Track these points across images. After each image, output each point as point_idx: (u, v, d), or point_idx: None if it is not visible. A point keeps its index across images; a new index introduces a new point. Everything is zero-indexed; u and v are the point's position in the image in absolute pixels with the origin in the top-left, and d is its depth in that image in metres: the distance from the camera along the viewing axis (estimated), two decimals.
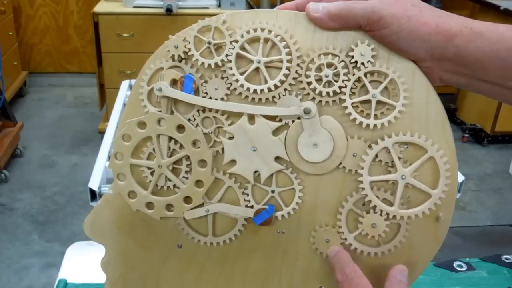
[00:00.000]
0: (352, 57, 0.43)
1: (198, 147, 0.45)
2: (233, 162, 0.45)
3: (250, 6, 2.66)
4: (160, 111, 0.45)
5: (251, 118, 0.44)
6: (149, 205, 0.47)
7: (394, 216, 0.44)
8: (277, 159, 0.45)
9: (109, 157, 1.01)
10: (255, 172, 0.45)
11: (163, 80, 0.44)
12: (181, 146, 0.46)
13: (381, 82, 0.43)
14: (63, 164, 2.55)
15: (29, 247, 2.01)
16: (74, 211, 2.21)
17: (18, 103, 3.13)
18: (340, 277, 0.43)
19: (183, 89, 0.44)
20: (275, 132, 0.44)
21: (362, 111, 0.44)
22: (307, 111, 0.43)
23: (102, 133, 2.47)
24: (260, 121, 0.44)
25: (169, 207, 0.47)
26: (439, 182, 0.44)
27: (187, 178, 0.46)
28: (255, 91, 0.44)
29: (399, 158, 0.44)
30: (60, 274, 0.74)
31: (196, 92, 0.45)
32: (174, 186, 0.47)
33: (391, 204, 0.45)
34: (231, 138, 0.45)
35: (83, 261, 0.77)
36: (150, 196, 0.47)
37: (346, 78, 0.43)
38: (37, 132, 2.82)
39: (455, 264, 0.75)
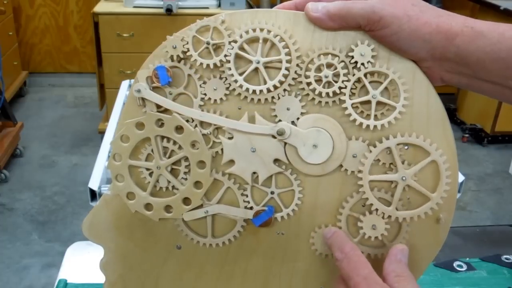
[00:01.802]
0: (352, 57, 0.42)
1: (197, 148, 0.45)
2: (231, 162, 0.45)
3: (250, 6, 2.66)
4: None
5: (252, 118, 0.44)
6: (148, 206, 0.47)
7: (395, 218, 0.44)
8: (276, 161, 0.45)
9: (109, 157, 1.01)
10: (254, 173, 0.45)
11: (139, 81, 0.44)
12: (180, 147, 0.45)
13: (381, 83, 0.43)
14: (63, 164, 2.55)
15: (29, 247, 2.01)
16: (74, 211, 2.21)
17: (18, 103, 3.13)
18: (339, 255, 0.42)
19: (160, 81, 0.44)
20: None
21: (362, 112, 0.43)
22: (280, 133, 0.43)
23: (102, 133, 2.47)
24: (260, 122, 0.44)
25: (167, 208, 0.47)
26: (439, 185, 0.43)
27: (186, 179, 0.46)
28: (254, 91, 0.44)
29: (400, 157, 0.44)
30: (60, 274, 0.74)
31: (185, 84, 0.44)
32: (173, 187, 0.46)
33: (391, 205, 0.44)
34: (230, 138, 0.45)
35: (83, 261, 0.77)
36: (149, 198, 0.47)
37: (346, 78, 0.43)
38: (37, 132, 2.82)
39: (455, 264, 0.75)
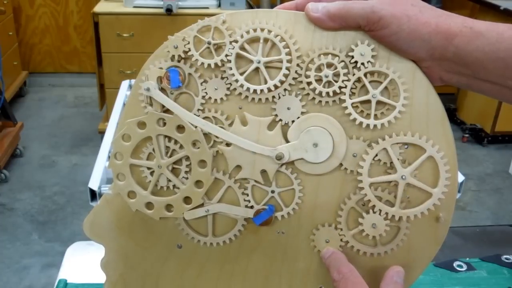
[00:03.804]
0: (352, 57, 0.43)
1: (198, 148, 0.45)
2: (228, 145, 0.45)
3: (250, 6, 2.66)
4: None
5: (273, 122, 0.44)
6: (149, 205, 0.47)
7: (394, 216, 0.44)
8: (264, 172, 0.45)
9: (109, 157, 1.01)
10: (238, 166, 0.45)
11: (149, 79, 0.44)
12: (181, 146, 0.45)
13: (381, 82, 0.43)
14: (63, 164, 2.55)
15: (29, 247, 2.01)
16: (74, 211, 2.21)
17: (18, 103, 3.13)
18: (336, 276, 0.43)
19: (171, 83, 0.44)
20: None
21: (362, 111, 0.44)
22: (278, 157, 0.44)
23: (102, 133, 2.47)
24: (277, 130, 0.44)
25: (168, 207, 0.47)
26: (440, 180, 0.43)
27: (187, 178, 0.46)
28: (254, 91, 0.44)
29: (398, 159, 0.44)
30: (60, 274, 0.74)
31: (186, 83, 0.45)
32: (174, 186, 0.47)
33: (391, 204, 0.44)
34: (244, 125, 0.45)
35: (83, 261, 0.77)
36: (150, 196, 0.47)
37: (346, 78, 0.43)
38: (37, 132, 2.82)
39: (455, 264, 0.75)
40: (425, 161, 0.44)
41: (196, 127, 0.45)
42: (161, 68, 0.45)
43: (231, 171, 0.45)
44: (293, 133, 0.44)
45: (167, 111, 0.45)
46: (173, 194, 0.47)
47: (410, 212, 0.44)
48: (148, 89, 0.44)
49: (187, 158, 0.46)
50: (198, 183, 0.46)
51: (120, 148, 0.46)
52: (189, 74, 0.45)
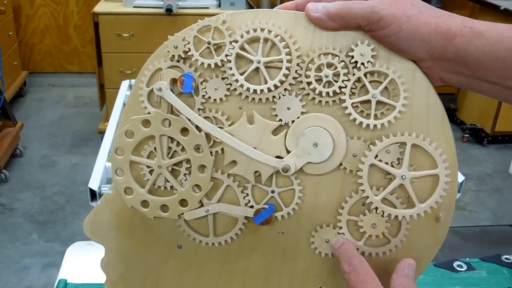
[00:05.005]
0: (352, 57, 0.43)
1: (200, 152, 0.45)
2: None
3: (250, 6, 2.66)
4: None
5: (280, 128, 0.44)
6: (144, 203, 0.47)
7: (396, 217, 0.44)
8: (257, 173, 0.45)
9: (109, 155, 1.01)
10: (233, 161, 0.45)
11: (163, 79, 0.44)
12: (183, 149, 0.45)
13: (381, 82, 0.43)
14: (63, 164, 2.56)
15: (29, 247, 2.01)
16: (74, 211, 2.21)
17: (18, 103, 3.13)
18: (346, 267, 0.42)
19: (183, 88, 0.44)
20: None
21: (362, 111, 0.44)
22: (284, 170, 0.44)
23: (102, 133, 2.47)
24: (281, 136, 0.44)
25: (164, 207, 0.47)
26: (430, 199, 0.44)
27: (185, 180, 0.46)
28: (254, 91, 0.44)
29: (399, 158, 0.44)
30: (60, 274, 0.74)
31: (196, 90, 0.45)
32: (172, 187, 0.46)
33: (391, 205, 0.44)
34: (250, 123, 0.45)
35: (83, 261, 0.77)
36: (146, 195, 0.47)
37: (346, 78, 0.43)
38: (37, 132, 2.82)
39: (455, 264, 0.75)
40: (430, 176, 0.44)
41: (200, 131, 0.45)
42: (160, 68, 0.45)
43: (225, 165, 0.45)
44: (291, 141, 0.44)
45: (171, 112, 0.45)
46: (170, 195, 0.47)
47: (387, 209, 0.44)
48: (160, 89, 0.44)
49: (188, 161, 0.46)
50: (196, 187, 0.46)
51: (122, 144, 0.46)
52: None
